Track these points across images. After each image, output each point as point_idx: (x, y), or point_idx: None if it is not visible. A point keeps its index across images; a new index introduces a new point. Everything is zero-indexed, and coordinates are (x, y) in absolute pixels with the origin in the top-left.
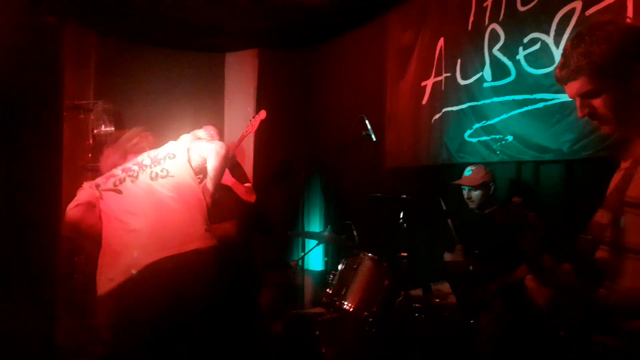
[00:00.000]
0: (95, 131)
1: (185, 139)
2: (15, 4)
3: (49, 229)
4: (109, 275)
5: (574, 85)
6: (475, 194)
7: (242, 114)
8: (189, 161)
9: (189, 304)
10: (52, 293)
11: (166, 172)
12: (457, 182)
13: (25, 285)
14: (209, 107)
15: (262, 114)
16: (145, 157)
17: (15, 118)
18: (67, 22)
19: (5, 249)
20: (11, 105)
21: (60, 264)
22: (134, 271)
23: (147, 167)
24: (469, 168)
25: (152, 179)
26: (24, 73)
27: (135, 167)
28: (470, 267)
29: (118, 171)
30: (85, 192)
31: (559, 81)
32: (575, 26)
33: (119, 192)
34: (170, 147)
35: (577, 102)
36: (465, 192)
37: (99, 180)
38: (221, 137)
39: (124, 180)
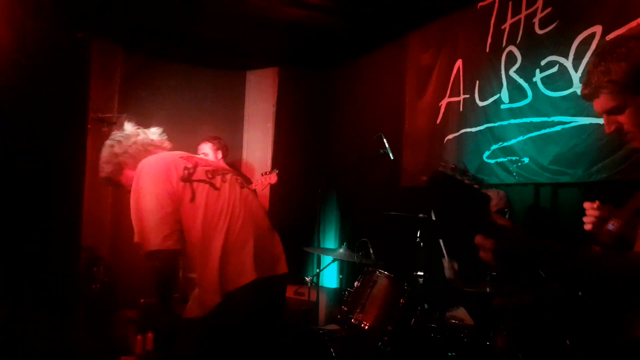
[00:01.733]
0: None
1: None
2: (45, 21)
3: (71, 239)
4: (204, 299)
5: (598, 103)
6: None
7: (262, 130)
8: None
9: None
10: (72, 302)
11: (246, 184)
12: None
13: (46, 294)
14: (229, 123)
15: (274, 178)
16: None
17: (43, 130)
18: (94, 38)
19: (28, 259)
20: (39, 117)
21: (81, 274)
22: (229, 291)
23: (228, 173)
24: None
25: (241, 185)
26: (52, 86)
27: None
28: (487, 290)
29: (199, 159)
30: (168, 196)
31: (585, 98)
32: (595, 50)
33: (216, 187)
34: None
35: (604, 119)
36: None
37: (184, 162)
38: (226, 150)
39: (214, 176)
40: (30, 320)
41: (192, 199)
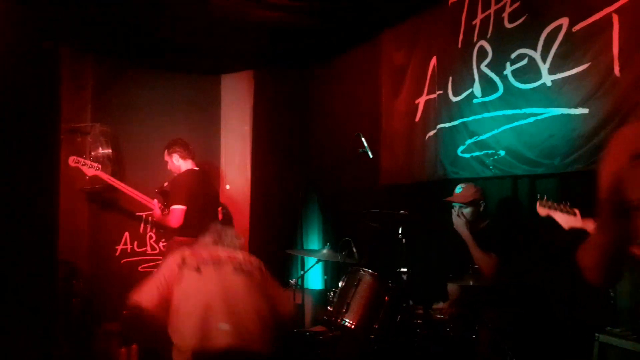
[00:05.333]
0: (92, 154)
1: None
2: (11, 30)
3: (47, 253)
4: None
5: None
6: (467, 211)
7: (239, 134)
8: None
9: None
10: (51, 317)
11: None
12: (449, 198)
13: (24, 309)
14: (206, 128)
15: None
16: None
17: (14, 142)
18: (63, 46)
19: (4, 273)
20: (9, 129)
21: (58, 288)
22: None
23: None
24: (459, 186)
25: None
26: (22, 98)
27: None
28: (471, 282)
29: (204, 252)
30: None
31: None
32: (562, 42)
33: (199, 271)
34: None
35: None
36: (455, 209)
37: (188, 252)
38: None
39: (207, 263)
40: (9, 337)
41: None
